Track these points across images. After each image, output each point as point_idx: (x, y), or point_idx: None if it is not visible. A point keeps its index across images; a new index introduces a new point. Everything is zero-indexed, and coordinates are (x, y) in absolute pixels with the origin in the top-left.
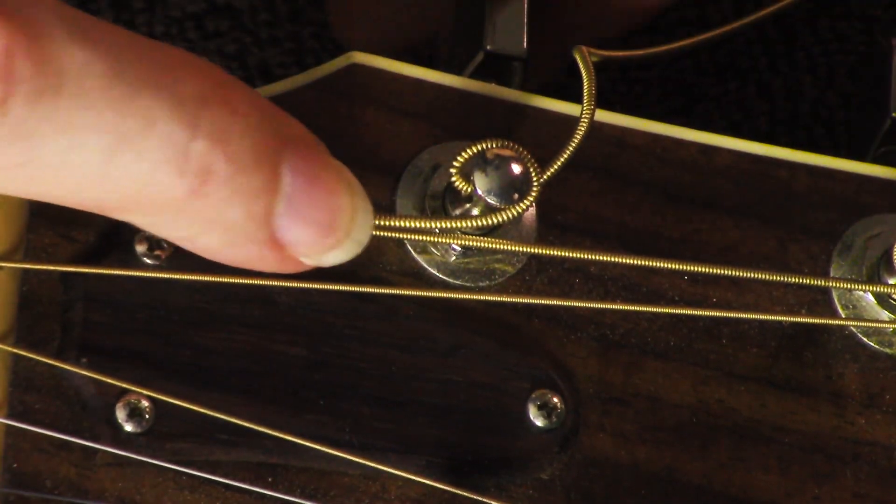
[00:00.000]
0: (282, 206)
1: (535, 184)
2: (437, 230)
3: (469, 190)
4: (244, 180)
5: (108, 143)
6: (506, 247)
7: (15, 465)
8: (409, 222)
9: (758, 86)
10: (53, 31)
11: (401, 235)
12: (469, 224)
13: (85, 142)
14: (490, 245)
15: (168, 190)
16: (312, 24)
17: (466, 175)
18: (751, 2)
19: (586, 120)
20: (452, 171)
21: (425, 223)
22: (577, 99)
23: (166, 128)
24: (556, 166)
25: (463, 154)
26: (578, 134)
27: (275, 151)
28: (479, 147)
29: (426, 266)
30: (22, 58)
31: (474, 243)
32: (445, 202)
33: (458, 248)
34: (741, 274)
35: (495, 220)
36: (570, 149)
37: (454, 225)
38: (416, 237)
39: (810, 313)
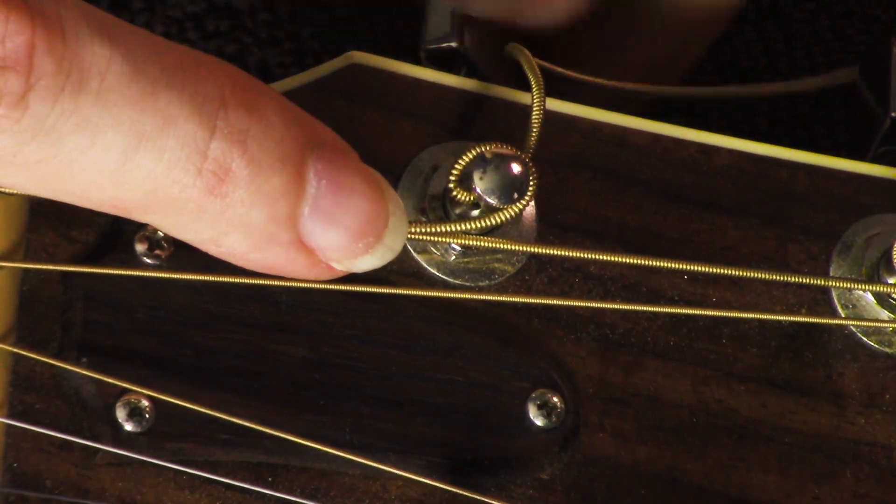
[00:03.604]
0: (307, 208)
1: (532, 182)
2: (444, 232)
3: (471, 198)
4: (264, 181)
5: (127, 141)
6: (506, 246)
7: (15, 465)
8: (418, 227)
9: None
10: (76, 28)
11: (412, 237)
12: (472, 225)
13: (104, 139)
14: (490, 244)
15: (185, 189)
16: (312, 24)
17: (464, 180)
18: (751, 3)
19: (538, 108)
20: (451, 185)
21: (435, 227)
22: (576, 100)
23: (185, 127)
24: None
25: (460, 162)
26: (535, 126)
27: (298, 154)
28: (476, 151)
29: (426, 266)
30: (43, 53)
31: (475, 243)
32: (445, 202)
33: (458, 248)
34: (741, 274)
35: (499, 220)
36: (533, 138)
37: (460, 227)
38: (421, 238)
39: (810, 313)
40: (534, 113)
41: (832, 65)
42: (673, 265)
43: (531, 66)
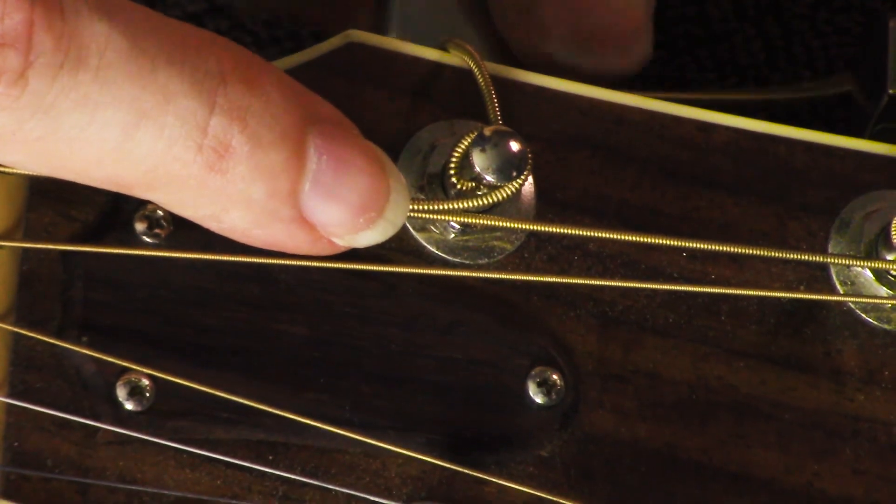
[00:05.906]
0: (308, 184)
1: (529, 160)
2: (443, 209)
3: (470, 185)
4: (264, 157)
5: (127, 118)
6: (505, 224)
7: (16, 444)
8: (418, 205)
9: (756, 81)
10: (75, 5)
11: (412, 215)
12: (472, 203)
13: (104, 116)
14: (490, 222)
15: (186, 165)
16: (312, 24)
17: (463, 158)
18: (750, 1)
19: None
20: (451, 173)
21: (435, 205)
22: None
23: (184, 103)
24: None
25: (458, 148)
26: (487, 97)
27: (299, 129)
28: (474, 133)
29: (425, 244)
30: (42, 30)
31: (475, 220)
32: (444, 180)
33: (458, 226)
34: (740, 250)
35: (499, 197)
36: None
37: (460, 205)
38: (421, 215)
39: (809, 290)
40: (481, 87)
41: (830, 59)
42: (672, 242)
43: (462, 48)
